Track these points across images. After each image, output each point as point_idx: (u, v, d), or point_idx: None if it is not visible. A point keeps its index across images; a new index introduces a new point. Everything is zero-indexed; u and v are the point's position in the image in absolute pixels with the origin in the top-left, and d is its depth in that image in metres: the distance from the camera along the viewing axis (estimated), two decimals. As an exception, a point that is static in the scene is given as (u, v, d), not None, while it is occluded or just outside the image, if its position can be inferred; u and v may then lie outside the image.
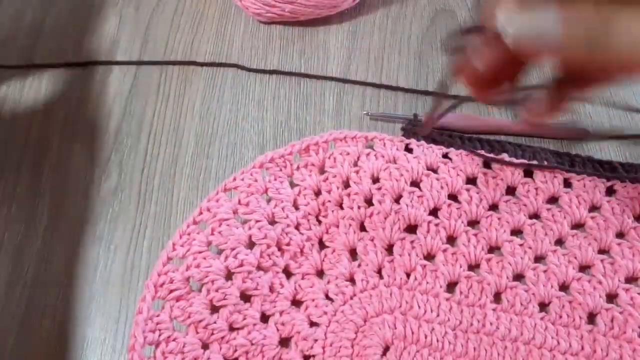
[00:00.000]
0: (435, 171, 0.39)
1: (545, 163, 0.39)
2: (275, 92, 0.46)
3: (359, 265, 0.37)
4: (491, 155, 0.39)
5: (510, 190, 0.39)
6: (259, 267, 0.36)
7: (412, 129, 0.41)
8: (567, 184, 0.39)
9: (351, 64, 0.47)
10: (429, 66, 0.47)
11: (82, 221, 0.40)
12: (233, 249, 0.35)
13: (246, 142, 0.43)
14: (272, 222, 0.37)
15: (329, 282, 0.36)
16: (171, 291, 0.34)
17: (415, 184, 0.39)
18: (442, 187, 0.38)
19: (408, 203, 0.38)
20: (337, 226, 0.38)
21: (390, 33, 0.48)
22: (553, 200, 0.38)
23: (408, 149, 0.40)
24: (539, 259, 0.37)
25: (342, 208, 0.38)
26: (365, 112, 0.44)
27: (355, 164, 0.39)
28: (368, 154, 0.39)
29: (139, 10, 0.50)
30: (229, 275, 0.35)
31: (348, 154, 0.39)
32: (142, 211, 0.40)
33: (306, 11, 0.47)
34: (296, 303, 0.36)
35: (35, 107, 0.45)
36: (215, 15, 0.49)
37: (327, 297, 0.36)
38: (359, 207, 0.38)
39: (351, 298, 0.36)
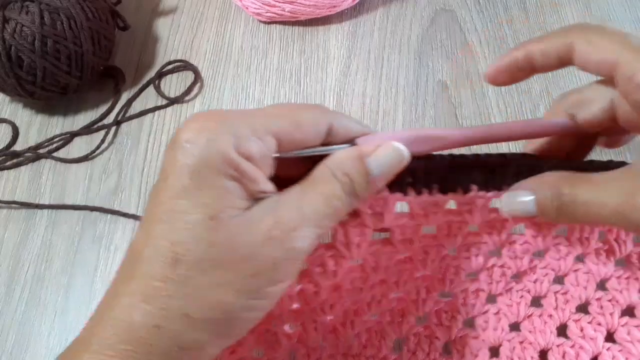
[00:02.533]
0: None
1: None
2: (275, 92, 0.46)
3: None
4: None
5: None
6: None
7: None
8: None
9: (351, 64, 0.47)
10: (429, 66, 0.47)
11: (82, 221, 0.40)
12: None
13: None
14: None
15: None
16: None
17: None
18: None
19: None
20: None
21: (390, 33, 0.48)
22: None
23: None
24: (491, 299, 0.33)
25: None
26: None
27: None
28: None
29: (139, 10, 0.50)
30: None
31: None
32: (142, 211, 0.40)
33: (306, 11, 0.47)
34: None
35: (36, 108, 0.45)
36: (215, 15, 0.49)
37: None
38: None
39: None
